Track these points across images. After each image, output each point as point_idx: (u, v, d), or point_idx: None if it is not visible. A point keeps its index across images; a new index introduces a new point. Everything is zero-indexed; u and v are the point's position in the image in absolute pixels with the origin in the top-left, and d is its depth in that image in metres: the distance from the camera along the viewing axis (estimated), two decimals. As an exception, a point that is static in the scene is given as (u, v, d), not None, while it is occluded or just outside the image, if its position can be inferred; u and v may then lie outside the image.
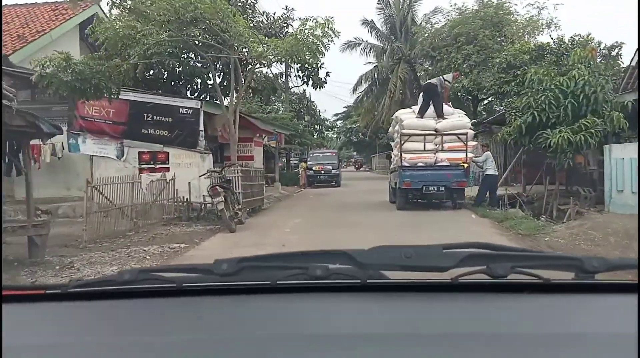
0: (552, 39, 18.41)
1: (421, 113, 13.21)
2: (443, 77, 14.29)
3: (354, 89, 37.01)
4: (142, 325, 1.06)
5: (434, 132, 12.72)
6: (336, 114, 58.79)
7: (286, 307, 1.12)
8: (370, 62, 35.17)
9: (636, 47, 11.96)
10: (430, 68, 25.88)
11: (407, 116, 13.53)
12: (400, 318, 1.06)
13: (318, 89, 15.11)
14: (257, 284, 1.19)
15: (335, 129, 59.33)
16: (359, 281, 1.14)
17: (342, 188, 24.44)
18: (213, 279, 1.17)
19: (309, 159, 27.76)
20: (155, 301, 1.18)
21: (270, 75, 17.66)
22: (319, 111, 46.48)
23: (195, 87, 16.65)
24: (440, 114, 13.01)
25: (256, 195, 13.59)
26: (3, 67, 9.06)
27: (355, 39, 33.75)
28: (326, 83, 17.81)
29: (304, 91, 41.63)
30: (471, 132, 13.07)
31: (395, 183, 13.28)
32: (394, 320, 1.05)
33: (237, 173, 11.65)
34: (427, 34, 24.56)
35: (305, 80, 17.60)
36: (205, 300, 1.17)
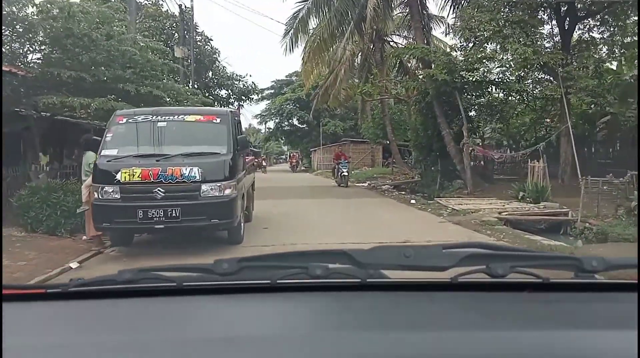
0: None
1: None
2: None
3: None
4: (142, 325, 1.06)
5: None
6: (261, 91, 35.37)
7: (286, 306, 1.13)
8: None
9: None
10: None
11: None
12: (399, 318, 1.07)
13: None
14: (257, 283, 1.19)
15: (256, 99, 33.77)
16: (358, 280, 1.15)
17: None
18: (213, 278, 1.17)
19: (107, 139, 6.93)
20: (155, 301, 1.18)
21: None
22: (211, 44, 24.57)
23: None
24: None
25: None
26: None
27: None
28: None
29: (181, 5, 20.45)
30: None
31: None
32: (394, 319, 1.06)
33: None
34: None
35: None
36: (205, 300, 1.18)
